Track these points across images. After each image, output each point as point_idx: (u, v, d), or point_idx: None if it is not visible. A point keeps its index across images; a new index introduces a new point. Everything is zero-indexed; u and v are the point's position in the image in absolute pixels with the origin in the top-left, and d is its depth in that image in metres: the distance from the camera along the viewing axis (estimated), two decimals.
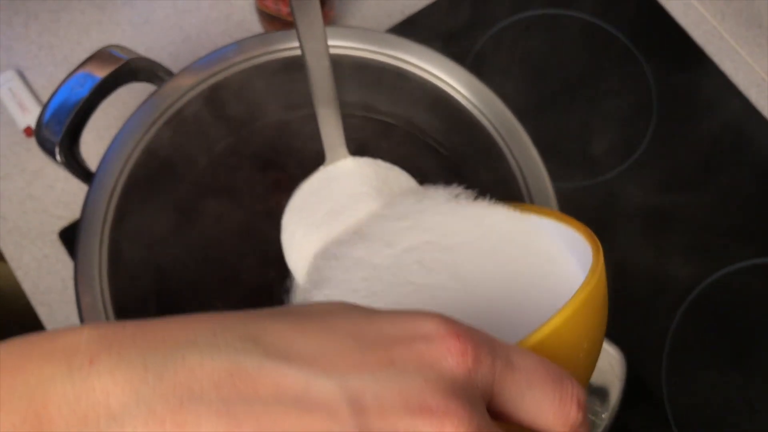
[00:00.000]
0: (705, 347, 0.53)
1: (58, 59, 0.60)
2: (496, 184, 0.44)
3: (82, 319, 0.40)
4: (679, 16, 0.62)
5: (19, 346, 0.18)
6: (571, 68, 0.61)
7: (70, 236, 0.55)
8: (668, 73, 0.61)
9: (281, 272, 0.44)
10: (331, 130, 0.38)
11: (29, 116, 0.57)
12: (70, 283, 0.54)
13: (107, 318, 0.40)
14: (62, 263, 0.55)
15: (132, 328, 0.19)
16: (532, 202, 0.44)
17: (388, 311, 0.20)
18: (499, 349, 0.20)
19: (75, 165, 0.44)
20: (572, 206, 0.55)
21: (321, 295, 0.33)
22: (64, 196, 0.56)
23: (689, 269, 0.55)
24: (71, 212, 0.56)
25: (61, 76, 0.59)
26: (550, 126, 0.59)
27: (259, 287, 0.45)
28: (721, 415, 0.51)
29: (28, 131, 0.57)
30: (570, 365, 0.26)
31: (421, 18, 0.61)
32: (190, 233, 0.45)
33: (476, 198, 0.37)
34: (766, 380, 0.52)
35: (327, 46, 0.35)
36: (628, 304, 0.54)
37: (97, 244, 0.41)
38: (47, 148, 0.43)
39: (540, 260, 0.32)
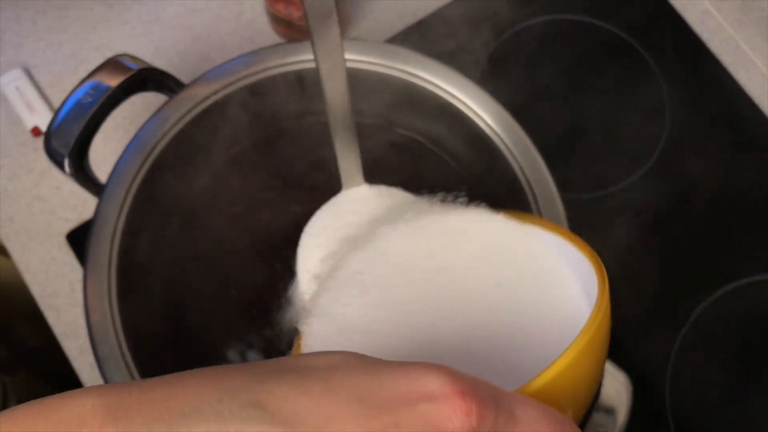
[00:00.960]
0: (710, 365, 0.53)
1: (66, 57, 0.59)
2: (507, 197, 0.44)
3: (91, 337, 0.40)
4: (695, 24, 0.61)
5: (24, 417, 0.18)
6: (583, 76, 0.60)
7: (77, 239, 0.55)
8: (682, 82, 0.60)
9: (290, 286, 0.44)
10: (347, 158, 0.38)
11: (36, 116, 0.56)
12: (78, 286, 0.54)
13: (116, 336, 0.40)
14: (70, 266, 0.55)
15: (137, 393, 0.18)
16: (540, 215, 0.43)
17: (391, 364, 0.20)
18: (503, 402, 0.20)
19: (84, 177, 0.43)
20: (580, 218, 0.55)
21: (324, 325, 0.33)
22: (71, 198, 0.56)
23: (694, 285, 0.55)
24: (78, 214, 0.56)
25: (69, 74, 0.59)
26: (560, 135, 0.58)
27: (268, 300, 0.45)
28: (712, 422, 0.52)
29: (35, 131, 0.56)
30: (572, 402, 0.26)
31: (433, 20, 0.60)
32: (200, 245, 0.45)
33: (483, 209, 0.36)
34: None
35: (345, 74, 0.34)
36: (632, 319, 0.54)
37: (106, 258, 0.41)
38: (56, 160, 0.43)
39: (544, 281, 0.32)
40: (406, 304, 0.31)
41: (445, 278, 0.32)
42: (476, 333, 0.30)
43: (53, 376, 0.76)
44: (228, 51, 0.59)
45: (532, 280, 0.32)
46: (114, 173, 0.43)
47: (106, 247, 0.41)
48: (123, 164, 0.43)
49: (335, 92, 0.35)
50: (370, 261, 0.33)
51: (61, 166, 0.43)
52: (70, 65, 0.59)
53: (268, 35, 0.60)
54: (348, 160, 0.39)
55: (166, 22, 0.60)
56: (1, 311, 0.74)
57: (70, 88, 0.58)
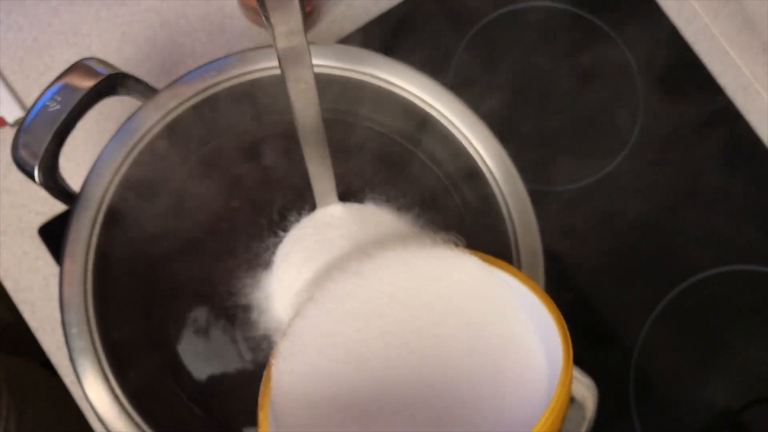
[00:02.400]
0: (675, 357, 0.56)
1: (28, 42, 0.57)
2: (481, 210, 0.45)
3: (69, 349, 0.40)
4: (671, 12, 0.61)
5: None
6: (556, 67, 0.60)
7: (49, 233, 0.54)
8: (656, 73, 0.60)
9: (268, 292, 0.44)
10: (320, 176, 0.38)
11: (1, 106, 0.54)
12: (52, 281, 0.54)
13: (94, 348, 0.40)
14: (43, 260, 0.54)
15: None
16: (513, 222, 0.44)
17: None
18: None
19: (56, 187, 0.43)
20: (552, 211, 0.55)
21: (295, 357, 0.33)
22: (41, 191, 0.54)
23: (661, 276, 0.57)
24: (50, 207, 0.55)
25: (33, 60, 0.57)
26: (531, 128, 0.58)
27: (246, 303, 0.46)
28: (683, 418, 0.55)
29: (0, 122, 0.55)
30: None
31: (409, 7, 0.59)
32: (178, 255, 0.45)
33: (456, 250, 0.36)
34: (732, 390, 0.55)
35: (315, 93, 0.34)
36: (600, 311, 0.56)
37: (82, 269, 0.41)
38: (26, 171, 0.42)
39: (506, 333, 0.32)
40: (371, 343, 0.31)
41: (407, 319, 0.32)
42: (432, 378, 0.30)
43: (34, 352, 0.76)
44: (197, 37, 0.58)
45: (494, 330, 0.31)
46: (87, 183, 0.42)
47: (80, 262, 0.41)
48: (96, 173, 0.43)
49: (305, 111, 0.34)
50: (340, 299, 0.33)
51: (31, 176, 0.42)
52: (34, 50, 0.57)
53: (239, 20, 0.58)
54: (321, 179, 0.39)
55: (133, 6, 0.58)
56: None
57: (35, 75, 0.57)
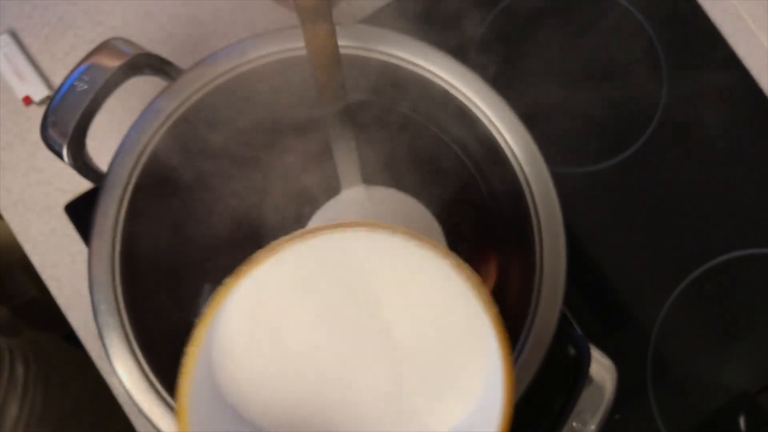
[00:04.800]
0: (691, 336, 0.56)
1: (53, 21, 0.57)
2: (504, 192, 0.45)
3: (98, 325, 0.41)
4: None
5: None
6: (579, 48, 0.59)
7: (76, 210, 0.55)
8: (680, 54, 0.60)
9: None
10: (345, 156, 0.38)
11: (27, 85, 0.55)
12: (79, 257, 0.55)
13: (122, 325, 0.41)
14: (69, 237, 0.55)
15: None
16: (535, 205, 0.44)
17: None
18: None
19: (83, 166, 0.43)
20: (574, 192, 0.55)
21: None
22: (67, 168, 0.55)
23: (678, 261, 0.57)
24: (76, 185, 0.56)
25: (58, 39, 0.57)
26: (553, 107, 0.58)
27: None
28: (700, 400, 0.55)
29: (26, 100, 0.55)
30: None
31: None
32: (204, 232, 0.45)
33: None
34: (749, 373, 0.55)
35: (341, 69, 0.34)
36: (616, 297, 0.56)
37: (110, 247, 0.42)
38: (55, 150, 0.43)
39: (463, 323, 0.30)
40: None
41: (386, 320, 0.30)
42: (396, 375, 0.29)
43: (58, 326, 0.78)
44: (220, 16, 0.58)
45: (448, 320, 0.30)
46: (114, 162, 0.43)
47: (108, 241, 0.42)
48: (123, 151, 0.43)
49: (331, 90, 0.34)
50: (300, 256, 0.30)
51: (59, 155, 0.43)
52: (59, 29, 0.57)
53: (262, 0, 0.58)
54: (345, 159, 0.39)
55: None
56: (3, 264, 0.75)
57: (60, 55, 0.57)
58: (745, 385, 0.56)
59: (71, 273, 0.55)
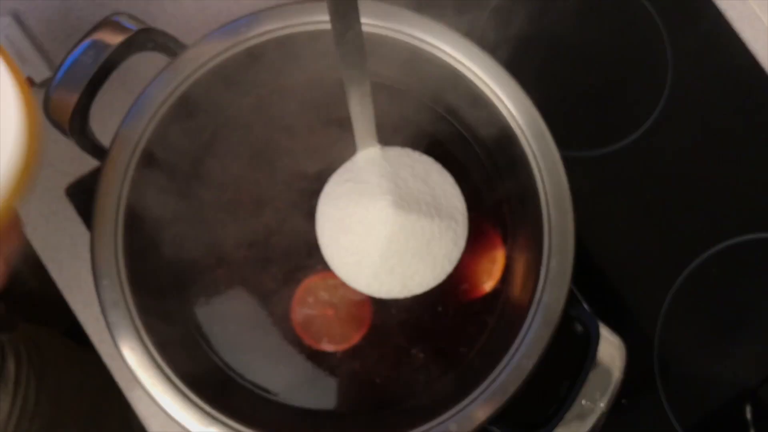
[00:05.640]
0: (698, 321, 0.56)
1: (56, 2, 0.57)
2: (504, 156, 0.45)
3: (101, 301, 0.40)
4: None
5: None
6: (586, 31, 0.59)
7: (77, 193, 0.55)
8: (685, 37, 0.59)
9: (299, 238, 0.45)
10: (361, 116, 0.38)
11: (29, 67, 0.55)
12: (80, 240, 0.55)
13: (125, 301, 0.40)
14: (70, 220, 0.55)
15: None
16: (543, 180, 0.43)
17: None
18: None
19: (86, 141, 0.43)
20: (579, 177, 0.55)
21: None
22: (68, 151, 0.55)
23: (686, 245, 0.57)
24: (77, 168, 0.55)
25: (60, 22, 0.57)
26: (559, 91, 0.58)
27: (278, 256, 0.46)
28: (706, 385, 0.55)
29: (28, 82, 0.55)
30: None
31: None
32: (206, 209, 0.45)
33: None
34: (755, 359, 0.55)
35: (361, 31, 0.33)
36: (624, 278, 0.56)
37: (113, 223, 0.42)
38: (57, 125, 0.42)
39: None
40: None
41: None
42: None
43: (53, 316, 0.77)
44: None
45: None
46: (117, 138, 0.42)
47: (111, 216, 0.41)
48: (126, 128, 0.43)
49: (350, 55, 0.34)
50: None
51: (62, 130, 0.42)
52: (61, 11, 0.57)
53: None
54: (362, 120, 0.39)
55: None
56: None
57: (62, 37, 0.57)
58: (752, 372, 0.56)
59: (71, 256, 0.54)
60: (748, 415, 0.56)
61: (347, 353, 0.46)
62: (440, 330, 0.46)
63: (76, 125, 0.42)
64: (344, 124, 0.41)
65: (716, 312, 0.56)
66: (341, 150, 0.44)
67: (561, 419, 0.40)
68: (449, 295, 0.47)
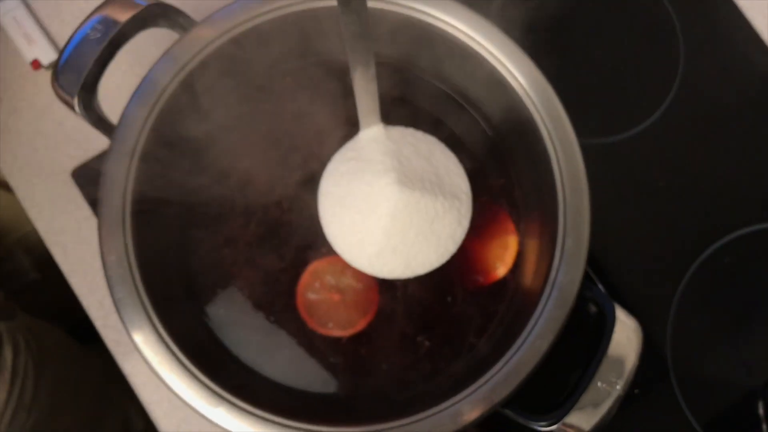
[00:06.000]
0: (710, 311, 0.55)
1: None
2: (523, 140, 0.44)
3: (107, 278, 0.40)
4: None
5: None
6: (596, 21, 0.59)
7: (83, 176, 0.54)
8: (697, 26, 0.59)
9: (305, 220, 0.44)
10: (366, 95, 0.37)
11: (36, 48, 0.54)
12: (85, 224, 0.54)
13: (132, 278, 0.39)
14: (75, 204, 0.54)
15: None
16: (561, 169, 0.42)
17: None
18: None
19: (94, 116, 0.42)
20: (590, 164, 0.54)
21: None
22: (75, 134, 0.55)
23: (698, 233, 0.56)
24: (83, 151, 0.55)
25: (67, 4, 0.57)
26: (570, 78, 0.57)
27: (283, 234, 0.46)
28: (719, 376, 0.54)
29: (35, 64, 0.54)
30: None
31: None
32: (216, 187, 0.44)
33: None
34: (764, 344, 0.54)
35: (365, 6, 0.33)
36: (636, 267, 0.55)
37: (120, 202, 0.41)
38: (65, 100, 0.41)
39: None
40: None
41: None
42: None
43: (55, 312, 0.76)
44: None
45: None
46: (126, 113, 0.42)
47: (119, 190, 0.40)
48: (134, 104, 0.42)
49: (355, 26, 0.33)
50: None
51: (70, 105, 0.42)
52: None
53: None
54: (366, 98, 0.38)
55: None
56: (2, 244, 0.73)
57: (69, 19, 0.56)
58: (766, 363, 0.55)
59: (76, 239, 0.53)
60: (760, 411, 0.55)
61: (353, 339, 0.45)
62: (451, 316, 0.45)
63: (85, 101, 0.42)
64: (350, 105, 0.40)
65: (729, 302, 0.55)
66: (345, 130, 0.44)
67: (577, 401, 0.39)
68: (460, 283, 0.46)
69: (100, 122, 0.43)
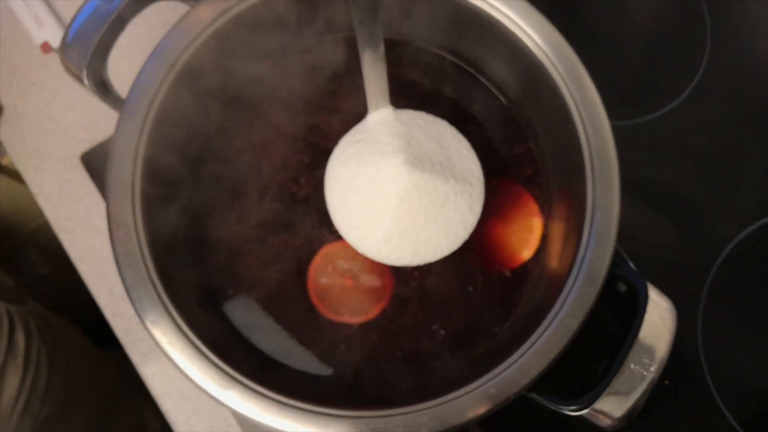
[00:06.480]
0: (744, 297, 0.52)
1: None
2: (552, 119, 0.42)
3: (116, 255, 0.38)
4: None
5: None
6: (623, 3, 0.57)
7: (92, 160, 0.53)
8: (725, 9, 0.57)
9: (319, 196, 0.43)
10: (374, 76, 0.36)
11: (46, 31, 0.53)
12: (94, 209, 0.53)
13: (141, 253, 0.38)
14: (85, 188, 0.53)
15: None
16: (588, 139, 0.40)
17: None
18: None
19: (104, 90, 0.41)
20: (619, 145, 0.52)
21: None
22: (84, 118, 0.54)
23: (729, 217, 0.54)
24: (92, 135, 0.53)
25: None
26: (595, 62, 0.55)
27: (293, 214, 0.44)
28: (757, 367, 0.51)
29: (45, 47, 0.53)
30: None
31: None
32: (226, 161, 0.43)
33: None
34: None
35: None
36: (667, 250, 0.53)
37: (129, 176, 0.39)
38: (73, 72, 0.40)
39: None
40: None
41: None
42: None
43: (64, 305, 0.75)
44: None
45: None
46: (135, 85, 0.40)
47: (128, 165, 0.39)
48: (145, 76, 0.41)
49: (364, 3, 0.32)
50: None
51: (79, 77, 0.40)
52: None
53: None
54: (375, 80, 0.37)
55: None
56: (10, 238, 0.72)
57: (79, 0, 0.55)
58: None
59: (85, 225, 0.52)
60: None
61: (365, 325, 0.43)
62: (471, 303, 0.43)
63: (94, 74, 0.40)
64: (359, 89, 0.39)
65: (762, 289, 0.53)
66: (355, 113, 0.43)
67: (609, 384, 0.37)
68: (481, 269, 0.44)
69: (109, 96, 0.41)
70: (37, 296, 0.69)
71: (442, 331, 0.43)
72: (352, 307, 0.43)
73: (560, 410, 0.38)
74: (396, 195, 0.39)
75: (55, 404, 0.61)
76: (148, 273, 0.38)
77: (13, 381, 0.56)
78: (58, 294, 0.75)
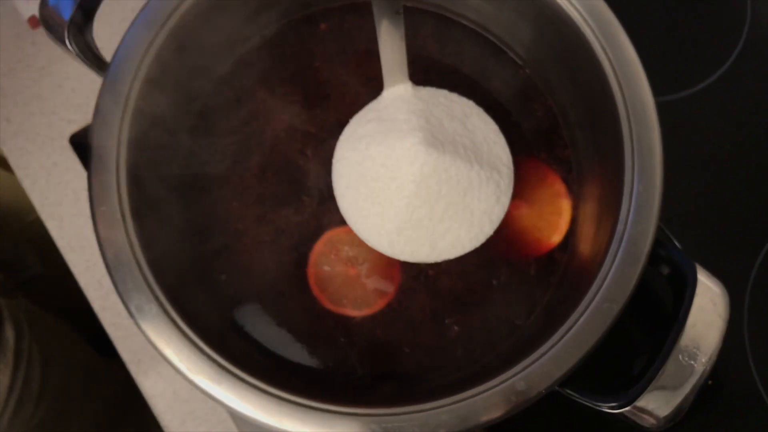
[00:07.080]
0: None
1: None
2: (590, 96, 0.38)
3: (97, 234, 0.34)
4: None
5: None
6: None
7: (82, 142, 0.49)
8: None
9: (322, 178, 0.39)
10: (392, 50, 0.32)
11: (34, 4, 0.50)
12: (83, 195, 0.49)
13: (125, 229, 0.34)
14: (74, 172, 0.49)
15: None
16: (625, 102, 0.36)
17: None
18: None
19: (88, 53, 0.37)
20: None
21: None
22: (74, 97, 0.50)
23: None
24: (82, 115, 0.50)
25: None
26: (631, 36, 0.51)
27: (290, 197, 0.40)
28: None
29: (32, 21, 0.50)
30: None
31: None
32: (213, 133, 0.39)
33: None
34: None
35: None
36: (713, 234, 0.48)
37: (114, 146, 0.35)
38: (54, 30, 0.36)
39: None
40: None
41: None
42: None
43: (62, 308, 0.71)
44: None
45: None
46: (121, 47, 0.37)
47: (113, 133, 0.35)
48: (131, 38, 0.37)
49: None
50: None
51: (61, 39, 0.37)
52: None
53: None
54: (392, 51, 0.33)
55: None
56: (4, 233, 0.68)
57: None
58: None
59: (74, 212, 0.48)
60: None
61: (368, 318, 0.39)
62: (491, 296, 0.39)
63: (76, 34, 0.37)
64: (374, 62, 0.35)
65: None
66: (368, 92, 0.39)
67: (654, 377, 0.32)
68: (502, 257, 0.40)
69: (94, 60, 0.38)
70: (32, 296, 0.65)
71: (455, 327, 0.39)
72: (355, 299, 0.39)
73: (598, 407, 0.33)
74: (412, 179, 0.34)
75: (50, 409, 0.57)
76: (133, 253, 0.34)
77: (3, 379, 0.52)
78: (53, 296, 0.71)
